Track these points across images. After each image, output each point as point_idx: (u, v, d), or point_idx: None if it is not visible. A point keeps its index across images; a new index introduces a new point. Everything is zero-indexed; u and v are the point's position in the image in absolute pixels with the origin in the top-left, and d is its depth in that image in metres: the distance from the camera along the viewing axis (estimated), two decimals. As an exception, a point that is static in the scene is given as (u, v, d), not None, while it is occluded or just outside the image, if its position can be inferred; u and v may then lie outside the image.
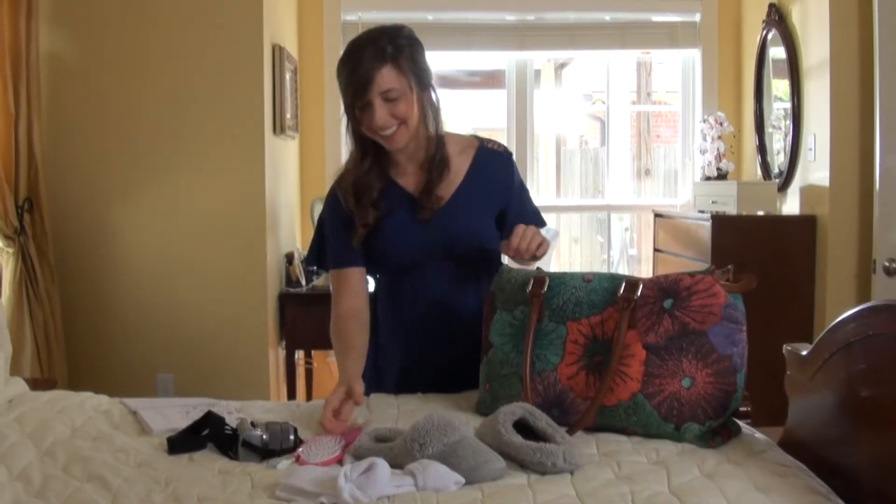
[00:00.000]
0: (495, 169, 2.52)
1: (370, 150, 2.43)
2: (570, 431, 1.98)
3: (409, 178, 2.48)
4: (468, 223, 2.44)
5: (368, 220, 2.41)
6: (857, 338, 1.76)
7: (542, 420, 1.87)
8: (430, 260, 2.45)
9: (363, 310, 2.52)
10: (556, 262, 9.27)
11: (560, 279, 2.17)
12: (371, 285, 2.63)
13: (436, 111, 2.43)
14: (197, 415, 2.11)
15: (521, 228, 2.27)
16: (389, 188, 2.46)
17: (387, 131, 2.32)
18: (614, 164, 6.21)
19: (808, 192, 4.70)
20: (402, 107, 2.31)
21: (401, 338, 2.55)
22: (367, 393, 2.45)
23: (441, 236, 2.42)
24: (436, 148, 2.43)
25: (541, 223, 2.54)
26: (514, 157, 2.66)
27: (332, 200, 2.52)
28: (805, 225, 4.63)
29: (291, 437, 1.95)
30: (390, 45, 2.30)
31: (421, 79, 2.36)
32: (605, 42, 5.78)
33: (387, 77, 2.28)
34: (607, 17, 5.69)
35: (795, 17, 4.83)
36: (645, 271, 6.20)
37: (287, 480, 1.69)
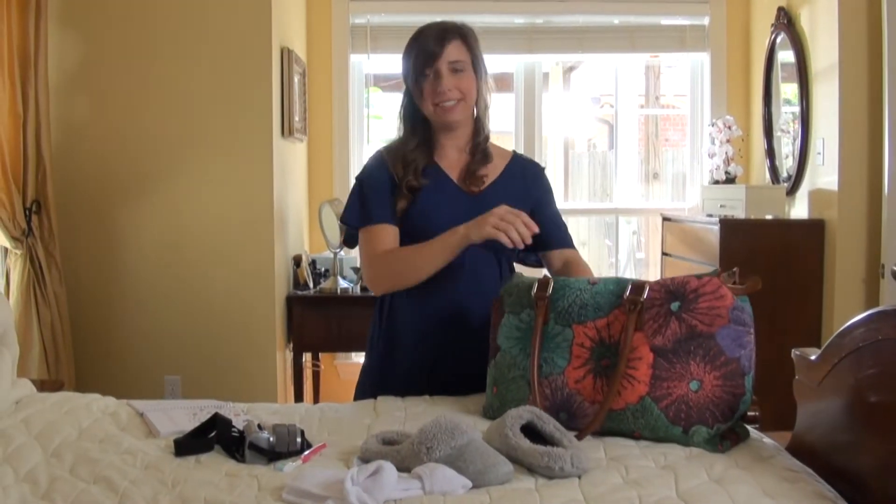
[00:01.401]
0: (528, 173, 2.69)
1: (419, 132, 2.59)
2: (579, 436, 1.97)
3: (450, 162, 2.61)
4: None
5: (415, 184, 2.52)
6: (866, 343, 1.75)
7: (549, 424, 1.86)
8: None
9: None
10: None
11: (565, 282, 2.16)
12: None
13: (486, 106, 2.62)
14: (204, 417, 2.11)
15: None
16: (432, 169, 2.58)
17: (449, 102, 2.50)
18: (622, 168, 6.21)
19: (816, 196, 4.69)
20: (465, 81, 2.51)
21: (422, 325, 2.55)
22: (375, 395, 2.46)
23: (475, 215, 2.41)
24: (482, 139, 2.61)
25: (567, 240, 2.66)
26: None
27: (377, 163, 2.62)
28: (814, 229, 4.62)
29: (298, 439, 1.94)
30: (460, 27, 2.55)
31: (479, 66, 2.57)
32: (613, 45, 5.77)
33: (456, 50, 2.50)
34: (616, 20, 5.68)
35: (804, 21, 4.82)
36: (652, 275, 6.19)
37: (294, 483, 1.69)
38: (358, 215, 2.58)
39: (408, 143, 2.58)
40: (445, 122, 2.54)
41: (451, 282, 2.48)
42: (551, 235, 2.61)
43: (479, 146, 2.60)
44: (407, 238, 2.53)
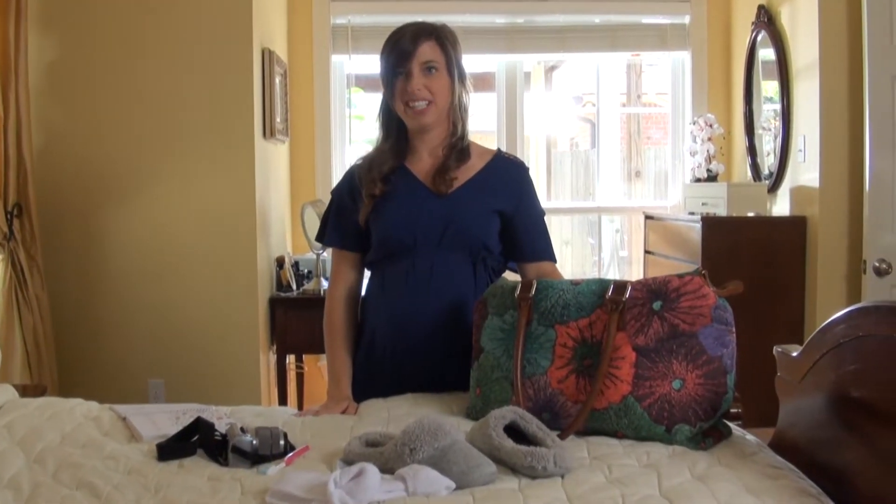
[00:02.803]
0: (508, 173, 2.62)
1: (393, 134, 2.58)
2: (562, 436, 1.98)
3: (422, 165, 2.57)
4: (470, 210, 2.50)
5: (375, 192, 2.51)
6: (847, 339, 1.76)
7: (532, 424, 1.87)
8: (427, 244, 2.48)
9: (355, 293, 2.69)
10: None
11: (547, 283, 2.17)
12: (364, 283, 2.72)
13: (464, 110, 2.59)
14: (187, 421, 2.10)
15: None
16: (401, 172, 2.56)
17: (419, 104, 2.47)
18: (604, 167, 6.21)
19: (798, 194, 4.70)
20: (437, 82, 2.48)
21: (392, 329, 2.56)
22: (357, 396, 2.49)
23: (442, 216, 2.48)
24: (458, 140, 2.56)
25: (543, 252, 2.61)
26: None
27: (346, 179, 2.66)
28: (795, 226, 4.63)
29: (281, 442, 1.94)
30: (437, 28, 2.52)
31: (454, 68, 2.53)
32: (594, 44, 5.77)
33: (429, 50, 2.48)
34: (597, 19, 5.69)
35: (785, 19, 4.83)
36: (636, 273, 6.20)
37: (277, 486, 1.68)
38: (324, 233, 2.71)
39: (381, 148, 2.59)
40: (416, 124, 2.52)
41: (424, 283, 2.49)
42: (526, 246, 2.58)
43: (454, 147, 2.55)
44: (378, 248, 2.55)
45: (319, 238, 2.73)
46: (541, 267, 2.56)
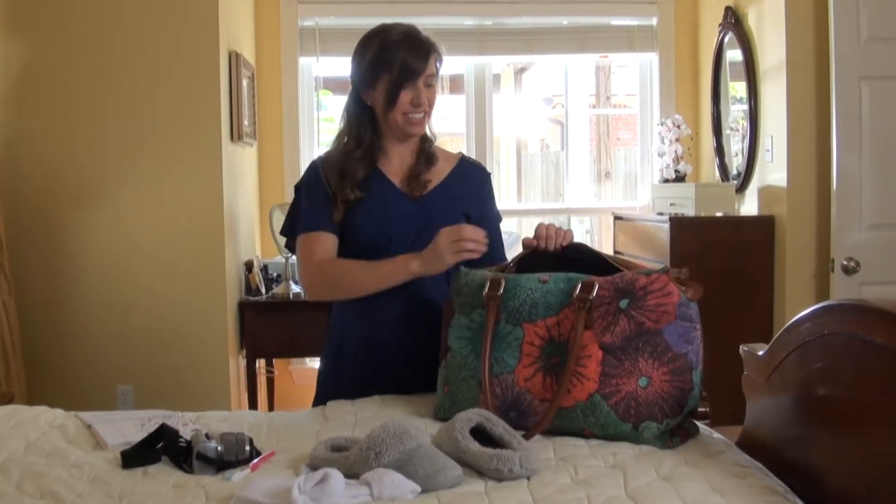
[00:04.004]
0: (473, 177, 2.69)
1: (365, 139, 2.55)
2: (528, 435, 1.97)
3: (394, 167, 2.58)
4: (444, 214, 2.49)
5: (350, 197, 2.49)
6: (811, 337, 1.76)
7: (499, 426, 1.86)
8: (401, 246, 2.47)
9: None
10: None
11: (516, 281, 2.16)
12: None
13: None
14: (152, 427, 2.08)
15: (543, 227, 2.34)
16: (374, 175, 2.55)
17: (419, 115, 2.51)
18: (574, 168, 6.22)
19: (766, 193, 4.73)
20: (433, 95, 2.54)
21: (363, 330, 2.55)
22: (324, 400, 2.46)
23: (417, 221, 2.50)
24: (428, 144, 2.61)
25: (501, 252, 2.64)
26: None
27: (313, 174, 2.60)
28: (763, 225, 4.65)
29: (247, 447, 1.92)
30: (433, 42, 2.55)
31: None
32: (563, 46, 5.79)
33: (431, 64, 2.51)
34: (565, 21, 5.70)
35: (752, 20, 4.86)
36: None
37: (241, 492, 1.66)
38: (296, 224, 2.59)
39: (350, 153, 2.54)
40: (410, 134, 2.55)
41: (396, 289, 2.46)
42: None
43: (422, 151, 2.59)
44: (351, 246, 2.52)
45: (287, 231, 2.63)
46: None
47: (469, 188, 2.63)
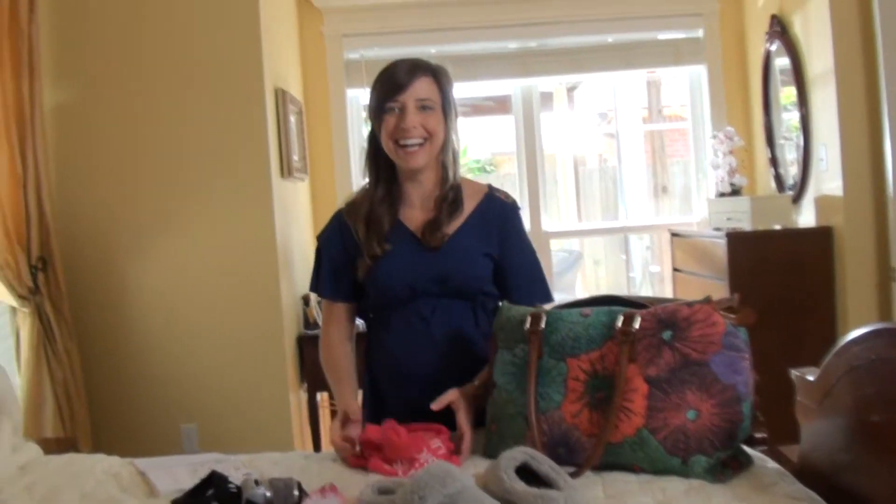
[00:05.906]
0: (497, 214, 2.53)
1: (382, 179, 2.49)
2: (578, 473, 1.95)
3: (415, 214, 2.50)
4: (465, 260, 2.45)
5: (377, 252, 2.44)
6: (860, 363, 1.72)
7: (545, 464, 1.84)
8: (425, 294, 2.45)
9: (348, 342, 2.64)
10: (582, 284, 9.25)
11: (557, 315, 2.14)
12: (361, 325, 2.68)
13: (455, 154, 2.51)
14: (204, 473, 2.10)
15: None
16: (395, 226, 2.49)
17: (412, 140, 2.38)
18: (630, 183, 6.19)
19: (822, 203, 4.65)
20: (432, 120, 2.39)
21: (395, 377, 2.53)
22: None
23: (438, 270, 2.43)
24: (452, 190, 2.48)
25: (533, 294, 2.50)
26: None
27: (335, 226, 2.58)
28: (821, 237, 4.57)
29: (295, 492, 1.93)
30: (433, 65, 2.44)
31: (450, 109, 2.45)
32: (609, 63, 5.76)
33: (426, 86, 2.39)
34: (610, 38, 5.67)
35: (797, 28, 4.80)
36: (667, 291, 6.16)
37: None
38: (316, 284, 2.63)
39: (373, 195, 2.50)
40: (408, 166, 2.43)
41: (425, 331, 2.45)
42: (514, 290, 2.49)
43: (447, 198, 2.47)
44: (375, 295, 2.51)
45: (314, 288, 2.65)
46: None
47: (493, 226, 2.51)
